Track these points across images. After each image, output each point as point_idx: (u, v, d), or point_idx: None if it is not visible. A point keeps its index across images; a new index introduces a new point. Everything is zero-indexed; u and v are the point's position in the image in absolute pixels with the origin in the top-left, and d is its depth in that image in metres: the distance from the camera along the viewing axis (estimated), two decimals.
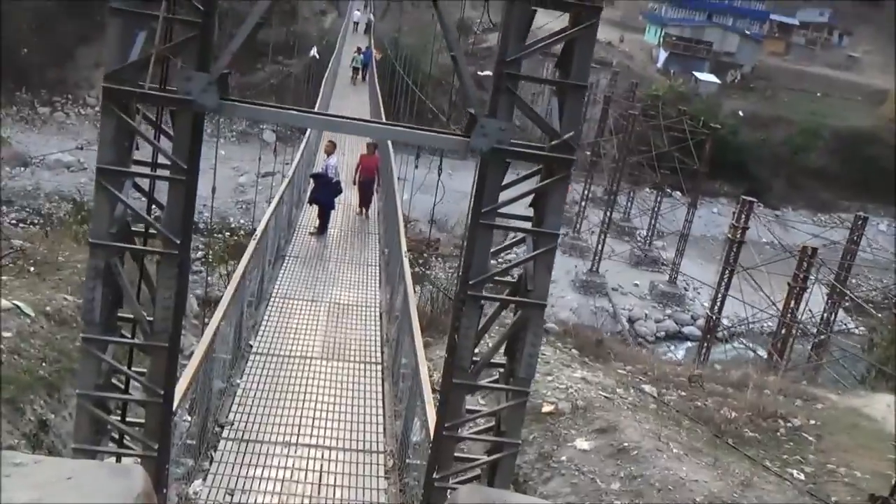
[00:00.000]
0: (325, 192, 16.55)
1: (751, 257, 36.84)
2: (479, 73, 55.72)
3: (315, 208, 17.17)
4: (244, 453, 8.47)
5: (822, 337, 32.53)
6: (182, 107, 5.15)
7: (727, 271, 35.86)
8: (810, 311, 33.20)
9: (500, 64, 5.37)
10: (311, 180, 17.51)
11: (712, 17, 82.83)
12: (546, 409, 10.31)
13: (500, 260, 11.64)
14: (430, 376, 8.75)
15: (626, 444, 9.36)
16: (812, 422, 11.12)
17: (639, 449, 9.21)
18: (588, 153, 49.30)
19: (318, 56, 40.74)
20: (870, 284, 55.80)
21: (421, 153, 26.01)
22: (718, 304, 36.18)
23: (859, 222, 35.13)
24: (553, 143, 5.41)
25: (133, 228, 5.61)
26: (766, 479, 9.14)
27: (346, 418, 9.50)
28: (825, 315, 33.19)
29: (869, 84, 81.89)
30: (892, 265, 57.67)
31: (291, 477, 8.18)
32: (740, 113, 66.16)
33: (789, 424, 10.98)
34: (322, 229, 16.75)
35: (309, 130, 21.51)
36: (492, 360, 6.02)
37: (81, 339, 5.41)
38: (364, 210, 18.82)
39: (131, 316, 5.57)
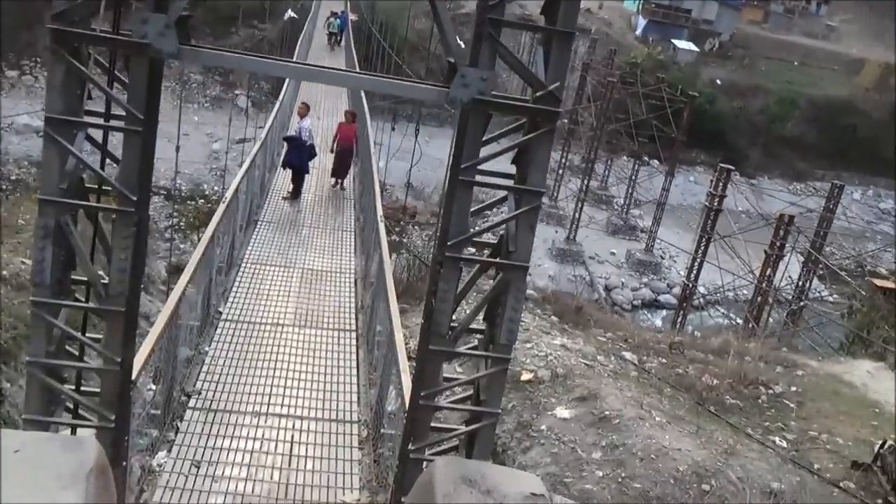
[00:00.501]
0: (298, 155, 16.07)
1: (727, 226, 36.86)
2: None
3: (289, 172, 16.71)
4: (212, 423, 8.14)
5: (799, 304, 32.69)
6: (137, 51, 4.74)
7: (704, 239, 35.86)
8: (789, 277, 33.37)
9: (482, 9, 4.98)
10: (285, 143, 17.02)
11: None
12: (525, 377, 10.06)
13: (480, 221, 11.35)
14: (406, 344, 8.45)
15: (607, 412, 9.12)
16: (793, 388, 10.97)
17: (620, 417, 8.98)
18: (565, 121, 48.90)
19: (294, 16, 39.89)
20: (844, 252, 56.20)
21: (398, 118, 25.59)
22: (695, 272, 36.25)
23: (835, 191, 35.18)
24: (537, 94, 5.05)
25: (87, 185, 5.21)
26: (748, 447, 8.97)
27: (319, 387, 9.19)
28: (801, 283, 33.32)
29: (846, 53, 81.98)
30: (865, 233, 58.15)
31: (261, 448, 7.87)
32: (718, 81, 65.98)
33: (770, 391, 10.82)
34: (296, 194, 16.32)
35: (283, 93, 20.98)
36: (470, 326, 5.70)
37: (31, 302, 5.02)
38: (339, 182, 17.98)
39: (85, 278, 5.18)
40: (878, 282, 24.81)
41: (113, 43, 4.77)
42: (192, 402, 8.45)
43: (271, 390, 8.95)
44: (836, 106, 66.49)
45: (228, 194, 11.71)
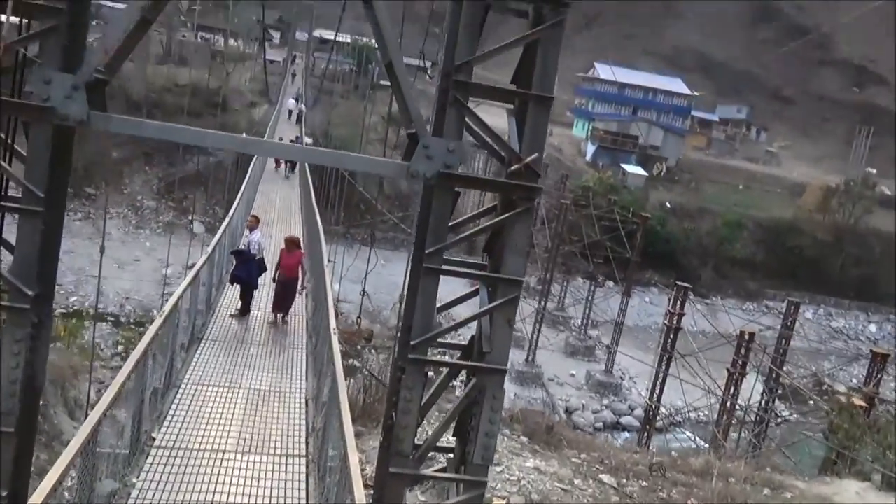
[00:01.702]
0: (246, 269, 15.21)
1: (685, 345, 36.50)
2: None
3: (237, 289, 15.79)
4: None
5: (764, 424, 31.98)
6: (38, 117, 3.99)
7: (665, 358, 35.36)
8: (748, 398, 32.75)
9: (445, 75, 4.37)
10: (233, 258, 16.15)
11: (637, 111, 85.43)
12: None
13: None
14: (363, 470, 7.43)
15: None
16: None
17: None
18: None
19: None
20: (802, 371, 56.18)
21: (352, 242, 25.04)
22: (657, 392, 35.53)
23: (791, 308, 35.22)
24: (512, 167, 4.40)
25: None
26: None
27: None
28: (763, 402, 32.74)
29: (788, 177, 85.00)
30: (820, 351, 58.37)
31: None
32: (668, 204, 67.39)
33: None
34: (244, 310, 15.36)
35: (234, 208, 20.29)
36: (437, 444, 4.83)
37: None
38: (280, 316, 15.77)
39: None
40: (857, 401, 24.33)
41: (9, 107, 4.01)
42: None
43: None
44: (782, 227, 68.33)
45: (167, 307, 10.77)
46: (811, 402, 41.86)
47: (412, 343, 4.44)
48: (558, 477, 9.88)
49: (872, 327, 67.50)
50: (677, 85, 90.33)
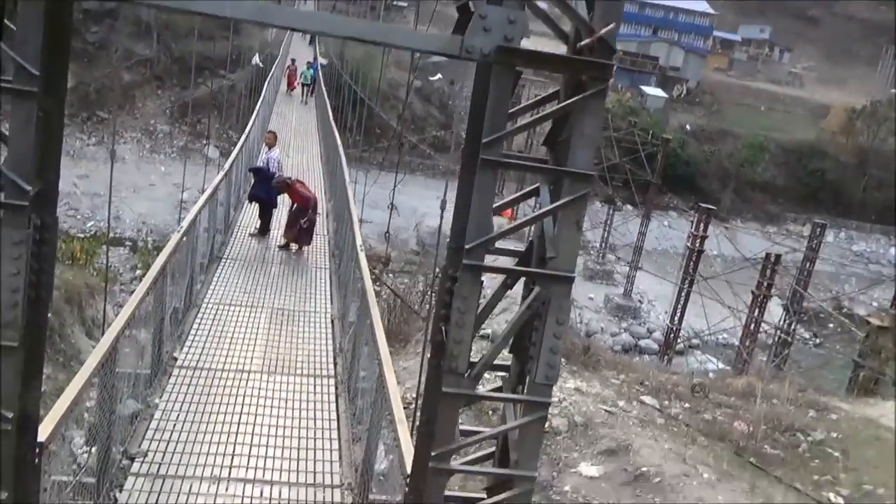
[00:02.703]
0: (264, 187, 14.64)
1: (706, 268, 36.04)
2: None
3: (256, 207, 15.28)
4: (160, 492, 6.61)
5: (785, 348, 31.68)
6: None
7: (687, 281, 34.93)
8: (774, 322, 32.40)
9: None
10: (251, 175, 15.57)
11: (658, 32, 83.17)
12: None
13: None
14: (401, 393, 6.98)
15: (644, 468, 7.73)
16: (833, 435, 9.67)
17: (661, 474, 7.60)
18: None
19: (261, 65, 38.73)
20: (820, 295, 55.72)
21: (369, 166, 24.40)
22: (679, 314, 35.20)
23: (817, 230, 34.56)
24: (584, 41, 3.77)
25: None
26: None
27: (293, 444, 7.68)
28: (785, 324, 32.39)
29: (811, 99, 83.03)
30: (840, 275, 57.78)
31: None
32: (687, 127, 66.00)
33: (810, 438, 9.52)
34: (264, 230, 14.86)
35: (250, 125, 19.65)
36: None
37: None
38: (297, 245, 14.35)
39: None
40: (873, 319, 23.92)
41: None
42: (135, 467, 6.92)
43: (234, 450, 7.43)
44: (804, 150, 66.98)
45: (185, 223, 10.27)
46: (831, 326, 41.63)
47: (467, 247, 3.89)
48: (601, 398, 9.47)
49: (893, 251, 66.60)
50: (699, 4, 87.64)
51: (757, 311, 31.68)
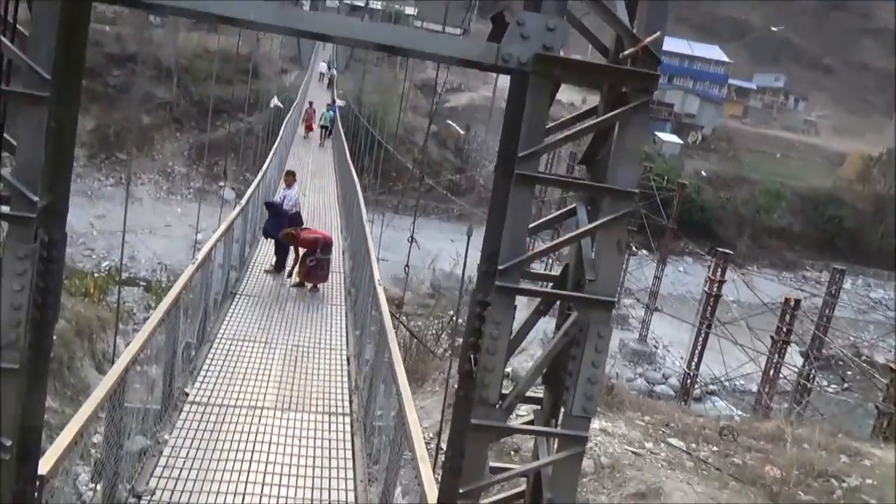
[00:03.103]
0: (276, 223, 14.46)
1: (722, 314, 35.58)
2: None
3: (272, 243, 15.10)
4: None
5: (806, 394, 31.07)
6: None
7: (704, 325, 34.49)
8: (796, 367, 31.83)
9: None
10: (266, 211, 15.40)
11: (673, 79, 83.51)
12: None
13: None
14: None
15: None
16: (868, 481, 9.26)
17: None
18: (553, 210, 48.41)
19: (280, 105, 38.98)
20: (838, 343, 55.00)
21: (383, 209, 24.32)
22: (696, 359, 34.68)
23: (836, 276, 34.22)
24: (626, 51, 3.56)
25: None
26: None
27: (306, 483, 7.37)
28: (806, 371, 31.84)
29: (827, 146, 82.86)
30: (859, 322, 57.04)
31: None
32: (703, 173, 65.89)
33: (844, 485, 9.11)
34: (279, 266, 14.66)
35: (266, 164, 19.58)
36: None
37: None
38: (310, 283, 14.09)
39: None
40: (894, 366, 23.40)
41: None
42: None
43: (246, 489, 7.12)
44: (821, 197, 66.77)
45: (200, 256, 10.07)
46: (850, 373, 40.92)
47: (500, 268, 3.64)
48: (627, 439, 9.12)
49: None
50: (714, 52, 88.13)
51: (777, 356, 31.19)
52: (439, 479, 5.92)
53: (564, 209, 4.14)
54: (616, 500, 7.68)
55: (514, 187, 3.63)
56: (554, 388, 4.17)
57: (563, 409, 3.86)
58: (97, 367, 11.23)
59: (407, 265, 9.67)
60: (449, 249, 44.30)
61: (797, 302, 31.19)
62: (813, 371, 32.72)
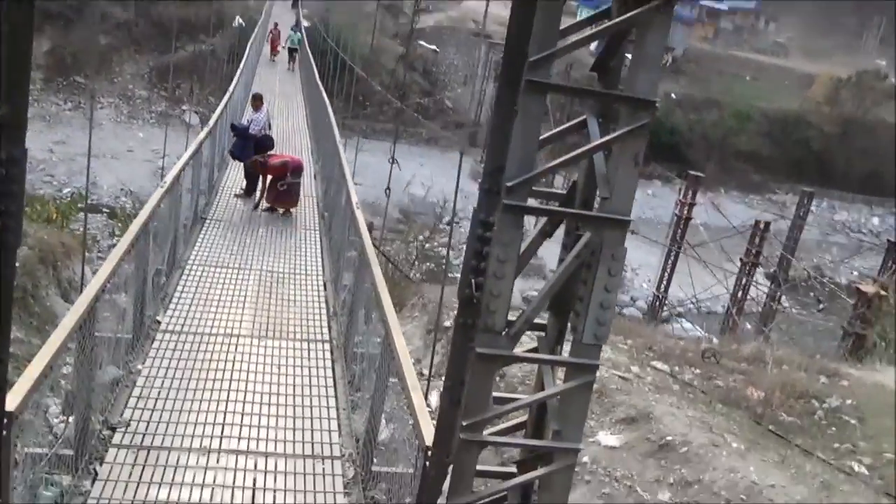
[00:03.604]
0: (242, 145, 13.93)
1: (693, 237, 35.71)
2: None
3: (241, 167, 14.58)
4: (144, 465, 6.06)
5: (772, 316, 31.53)
6: None
7: (674, 248, 34.62)
8: (758, 288, 32.21)
9: None
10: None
11: None
12: None
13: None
14: None
15: (669, 437, 7.25)
16: (848, 402, 9.26)
17: (688, 444, 7.12)
18: None
19: (243, 24, 37.65)
20: (803, 264, 55.77)
21: (352, 134, 23.74)
22: (666, 282, 34.92)
23: (805, 199, 34.41)
24: None
25: None
26: (837, 478, 7.19)
27: (287, 412, 7.16)
28: (773, 292, 32.25)
29: (796, 68, 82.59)
30: (822, 245, 57.86)
31: (212, 498, 5.81)
32: (673, 96, 65.36)
33: (825, 405, 9.09)
34: (249, 190, 14.19)
35: (232, 86, 18.85)
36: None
37: None
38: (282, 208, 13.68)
39: None
40: (864, 288, 23.72)
41: None
42: (117, 438, 6.35)
43: (225, 419, 6.89)
44: (789, 119, 66.66)
45: (168, 179, 9.61)
46: (812, 295, 41.55)
47: (508, 185, 3.33)
48: (613, 363, 8.98)
49: (875, 220, 66.87)
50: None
51: (745, 278, 31.51)
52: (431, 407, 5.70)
53: (574, 121, 3.82)
54: (607, 426, 7.58)
55: (523, 96, 3.30)
56: (560, 314, 3.92)
57: (573, 337, 3.62)
58: (63, 296, 10.82)
59: (388, 187, 9.31)
60: (420, 174, 43.78)
61: (767, 224, 31.39)
62: (780, 293, 33.11)
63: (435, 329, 8.59)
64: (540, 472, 3.69)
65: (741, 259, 31.03)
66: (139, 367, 7.59)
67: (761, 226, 30.79)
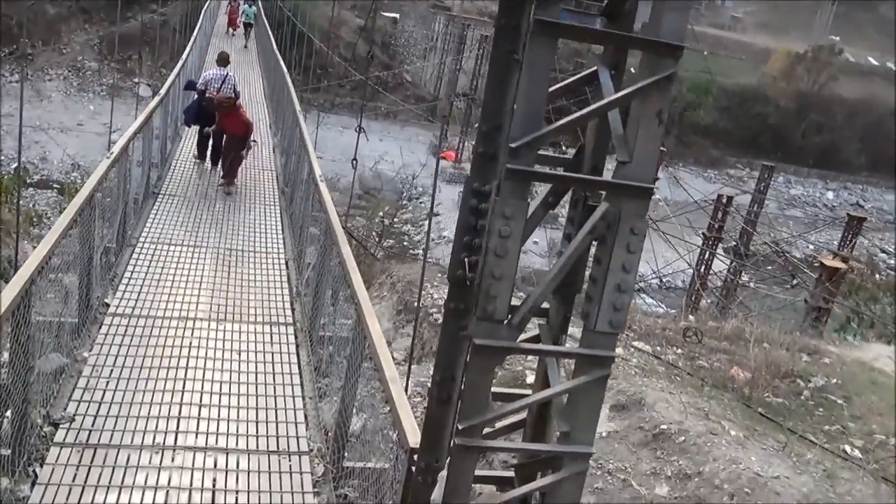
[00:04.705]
0: (195, 106, 13.02)
1: (654, 212, 35.53)
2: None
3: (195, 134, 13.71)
4: (91, 466, 5.47)
5: (733, 291, 31.60)
6: None
7: None
8: (721, 259, 32.26)
9: None
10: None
11: None
12: (532, 378, 7.65)
13: None
14: None
15: (663, 425, 6.83)
16: (834, 381, 8.97)
17: (685, 433, 6.70)
18: (480, 109, 47.79)
19: None
20: (761, 239, 56.36)
21: (309, 108, 23.01)
22: None
23: (766, 173, 34.57)
24: None
25: None
26: (838, 465, 6.86)
27: (250, 403, 6.58)
28: (733, 267, 32.36)
29: (753, 43, 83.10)
30: (778, 219, 58.47)
31: (167, 500, 5.25)
32: (632, 70, 65.03)
33: (811, 385, 8.79)
34: (200, 155, 13.37)
35: (186, 53, 17.98)
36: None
37: None
38: (219, 172, 12.78)
39: None
40: (827, 262, 23.76)
41: None
42: (60, 435, 5.74)
43: (181, 412, 6.30)
44: (746, 94, 67.14)
45: (116, 149, 8.90)
46: (769, 268, 41.86)
47: (513, 146, 2.81)
48: None
49: (830, 195, 67.94)
50: None
51: (708, 253, 31.50)
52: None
53: (583, 72, 3.31)
54: (602, 415, 7.14)
55: (531, 41, 2.78)
56: (565, 297, 3.43)
57: (584, 324, 3.13)
58: (2, 276, 10.08)
59: (355, 158, 8.73)
60: (380, 149, 42.99)
61: (729, 199, 31.39)
62: (741, 269, 33.25)
63: (416, 316, 8.04)
64: (548, 479, 3.21)
65: (703, 234, 31.00)
66: (85, 354, 6.95)
67: (724, 200, 30.76)
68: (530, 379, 7.53)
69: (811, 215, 62.10)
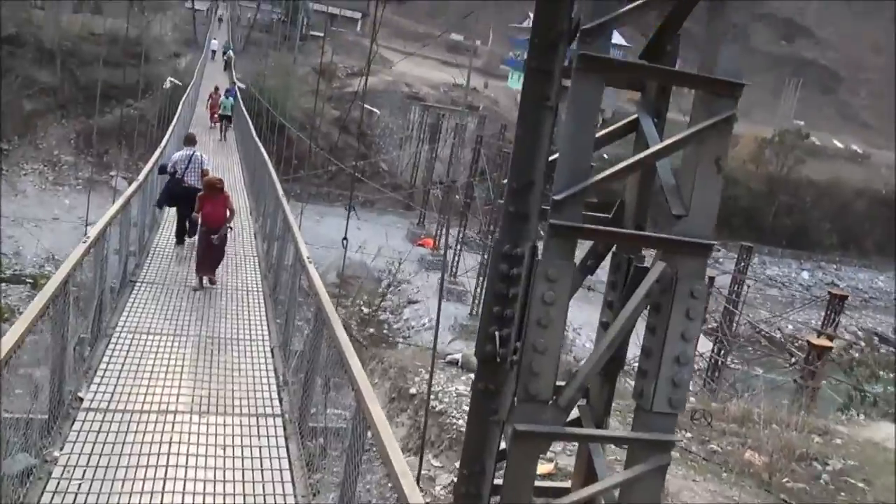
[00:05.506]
0: (166, 188, 13.03)
1: None
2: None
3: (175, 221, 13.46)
4: None
5: (718, 371, 31.25)
6: None
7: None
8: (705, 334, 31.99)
9: None
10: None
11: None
12: (543, 468, 7.17)
13: None
14: None
15: None
16: (851, 463, 8.54)
17: None
18: (459, 196, 48.20)
19: (178, 83, 36.51)
20: (742, 319, 56.46)
21: (287, 196, 22.88)
22: None
23: (744, 254, 34.74)
24: None
25: None
26: None
27: (236, 501, 6.01)
28: (717, 350, 32.13)
29: None
30: (756, 299, 58.64)
31: None
32: (605, 156, 66.21)
33: (829, 468, 8.35)
34: (179, 238, 13.12)
35: (165, 140, 17.78)
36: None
37: None
38: (206, 279, 11.84)
39: None
40: (815, 341, 23.58)
41: None
42: None
43: None
44: None
45: (92, 233, 8.48)
46: (750, 349, 41.71)
47: (557, 198, 2.46)
48: None
49: (805, 274, 68.72)
50: (613, 36, 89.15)
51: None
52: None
53: (622, 122, 3.00)
54: None
55: (576, 78, 2.46)
56: (609, 373, 3.04)
57: (636, 404, 2.73)
58: None
59: (345, 238, 8.39)
60: (357, 238, 42.77)
61: (712, 279, 31.36)
62: (724, 350, 33.07)
63: (426, 400, 7.53)
64: None
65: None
66: (56, 453, 6.37)
67: (707, 280, 30.71)
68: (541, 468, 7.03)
69: (788, 296, 62.58)
